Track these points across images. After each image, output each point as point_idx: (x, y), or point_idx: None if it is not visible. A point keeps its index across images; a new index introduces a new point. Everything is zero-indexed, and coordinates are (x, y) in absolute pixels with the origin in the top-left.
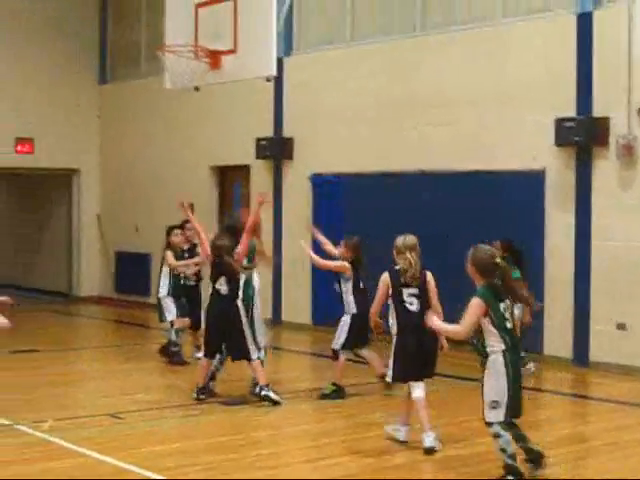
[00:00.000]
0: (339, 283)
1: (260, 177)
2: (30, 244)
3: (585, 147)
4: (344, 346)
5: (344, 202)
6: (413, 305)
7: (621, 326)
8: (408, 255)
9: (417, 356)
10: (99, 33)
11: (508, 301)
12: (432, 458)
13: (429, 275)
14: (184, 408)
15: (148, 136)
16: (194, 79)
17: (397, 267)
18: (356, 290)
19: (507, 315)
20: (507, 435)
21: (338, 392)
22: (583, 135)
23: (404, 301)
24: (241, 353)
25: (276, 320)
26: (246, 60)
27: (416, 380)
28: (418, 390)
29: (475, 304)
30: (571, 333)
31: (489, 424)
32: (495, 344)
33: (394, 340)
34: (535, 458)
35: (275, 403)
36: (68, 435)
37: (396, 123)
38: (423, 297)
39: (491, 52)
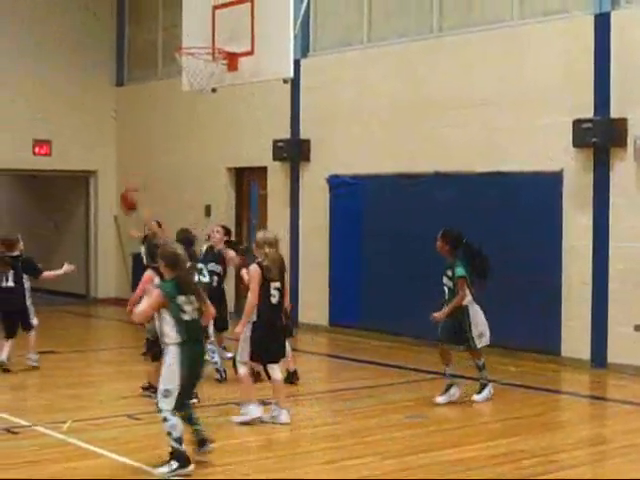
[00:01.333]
0: None
1: (277, 179)
2: (47, 245)
3: (603, 148)
4: None
5: (361, 203)
6: (275, 298)
7: (639, 328)
8: (267, 249)
9: (275, 342)
10: (116, 35)
11: (192, 295)
12: (453, 459)
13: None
14: (202, 409)
15: (165, 138)
16: (211, 81)
17: (261, 261)
18: None
19: (187, 308)
20: (174, 419)
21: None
22: (601, 136)
23: (270, 294)
24: None
25: (293, 321)
26: (263, 62)
27: (274, 362)
28: (277, 371)
29: (156, 294)
30: (589, 335)
31: (160, 410)
32: (172, 335)
33: (251, 328)
34: (201, 440)
35: None
36: (86, 436)
37: (412, 124)
38: (282, 290)
39: (508, 53)
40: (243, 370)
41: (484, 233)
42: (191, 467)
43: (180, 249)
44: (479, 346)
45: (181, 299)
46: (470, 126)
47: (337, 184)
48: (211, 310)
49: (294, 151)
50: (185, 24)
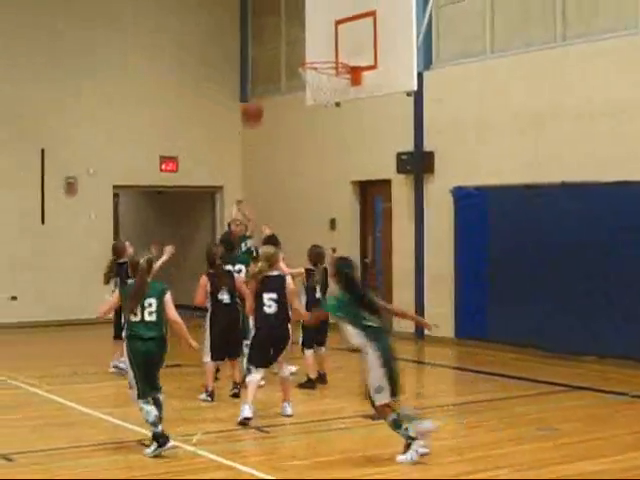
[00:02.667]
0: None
1: (401, 191)
2: (174, 260)
3: None
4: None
5: (486, 214)
6: (271, 308)
7: None
8: (261, 264)
9: (265, 348)
10: (240, 51)
11: (146, 299)
12: (583, 472)
13: (288, 281)
14: (329, 422)
15: (289, 152)
16: (335, 95)
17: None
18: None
19: (136, 310)
20: (146, 407)
21: (310, 383)
22: None
23: (264, 304)
24: (237, 351)
25: (418, 334)
26: (387, 75)
27: (263, 367)
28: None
29: (115, 295)
30: None
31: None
32: (124, 331)
33: (252, 334)
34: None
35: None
36: (216, 448)
37: (538, 134)
38: (281, 301)
39: (634, 60)
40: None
41: (612, 244)
42: (171, 443)
43: (142, 259)
44: (377, 403)
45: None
46: (597, 135)
47: (462, 196)
48: (170, 314)
49: (418, 163)
50: (308, 39)
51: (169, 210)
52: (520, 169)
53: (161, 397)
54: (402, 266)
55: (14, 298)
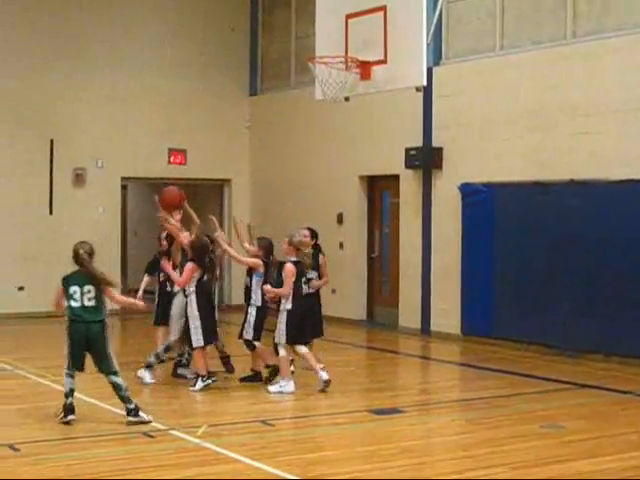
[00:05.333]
0: (250, 278)
1: (409, 187)
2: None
3: None
4: (255, 337)
5: (494, 211)
6: (306, 290)
7: None
8: (304, 250)
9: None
10: (249, 45)
11: (84, 286)
12: (585, 470)
13: (322, 258)
14: (334, 416)
15: (298, 146)
16: (344, 90)
17: (295, 260)
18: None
19: (76, 296)
20: (65, 379)
21: (257, 376)
22: None
23: (302, 286)
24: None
25: (425, 330)
26: (396, 70)
27: (304, 343)
28: (304, 347)
29: (59, 288)
30: None
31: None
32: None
33: (287, 314)
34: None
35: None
36: (221, 441)
37: (546, 132)
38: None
39: None
40: (282, 352)
41: (620, 242)
42: (71, 417)
43: (81, 248)
44: None
45: (72, 289)
46: (606, 133)
47: (469, 192)
48: (109, 296)
49: (426, 159)
50: (318, 34)
51: None
52: (528, 166)
53: (119, 380)
54: (409, 261)
55: (21, 288)
